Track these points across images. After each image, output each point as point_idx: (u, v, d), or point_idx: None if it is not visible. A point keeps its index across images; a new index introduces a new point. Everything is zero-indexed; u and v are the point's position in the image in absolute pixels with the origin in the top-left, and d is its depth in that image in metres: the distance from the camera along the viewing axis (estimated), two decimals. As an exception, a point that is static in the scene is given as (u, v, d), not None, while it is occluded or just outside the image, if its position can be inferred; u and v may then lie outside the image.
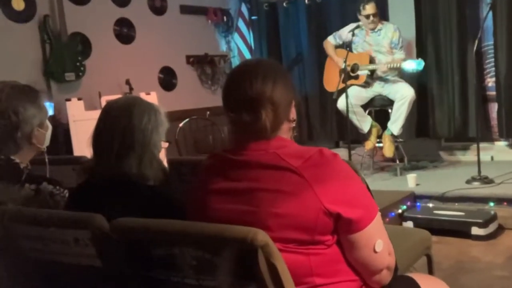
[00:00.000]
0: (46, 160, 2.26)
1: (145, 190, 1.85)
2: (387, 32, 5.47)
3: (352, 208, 1.48)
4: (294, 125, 1.66)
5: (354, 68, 5.47)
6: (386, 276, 1.63)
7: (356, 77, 5.48)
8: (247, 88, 1.54)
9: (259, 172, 1.52)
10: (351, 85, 5.43)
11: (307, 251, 1.48)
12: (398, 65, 5.19)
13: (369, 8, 5.37)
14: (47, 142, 2.21)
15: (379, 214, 1.56)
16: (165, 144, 1.99)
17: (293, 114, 1.64)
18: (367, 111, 5.64)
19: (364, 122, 5.54)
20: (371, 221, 1.52)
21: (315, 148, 1.54)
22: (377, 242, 1.54)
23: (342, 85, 5.25)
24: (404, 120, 5.38)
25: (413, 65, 5.12)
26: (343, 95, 5.26)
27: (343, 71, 5.26)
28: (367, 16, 5.39)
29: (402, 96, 5.29)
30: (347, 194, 1.49)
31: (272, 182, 1.49)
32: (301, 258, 1.48)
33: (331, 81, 5.74)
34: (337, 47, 5.79)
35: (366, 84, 5.50)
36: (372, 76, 5.48)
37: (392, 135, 5.45)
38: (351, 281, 1.56)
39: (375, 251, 1.54)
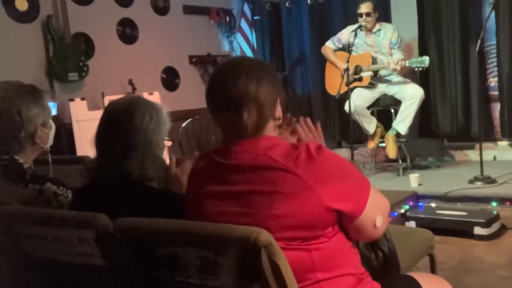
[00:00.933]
0: (50, 160, 2.27)
1: (147, 190, 1.85)
2: (387, 33, 5.47)
3: (351, 198, 1.50)
4: (280, 122, 1.65)
5: (357, 70, 5.45)
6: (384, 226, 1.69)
7: (360, 79, 5.46)
8: (230, 87, 1.52)
9: (253, 175, 1.51)
10: (355, 87, 5.43)
11: (308, 246, 1.49)
12: (406, 63, 5.19)
13: (363, 7, 5.38)
14: (50, 141, 2.21)
15: (372, 186, 1.58)
16: (168, 143, 1.99)
17: (278, 111, 1.62)
18: (369, 111, 5.63)
19: (370, 124, 5.54)
20: (367, 199, 1.54)
21: (301, 144, 1.53)
22: (377, 219, 1.58)
23: (345, 88, 5.24)
24: (412, 120, 5.37)
25: (420, 61, 5.13)
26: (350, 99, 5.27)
27: (345, 71, 5.22)
28: (361, 15, 5.40)
29: (413, 95, 5.28)
30: (345, 187, 1.50)
31: (267, 184, 1.48)
32: (303, 254, 1.49)
33: (334, 85, 5.70)
34: (336, 50, 5.79)
35: (371, 85, 5.50)
36: (376, 77, 5.48)
37: (396, 135, 5.44)
38: (351, 274, 1.57)
39: (375, 227, 1.59)
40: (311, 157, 1.48)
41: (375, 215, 1.58)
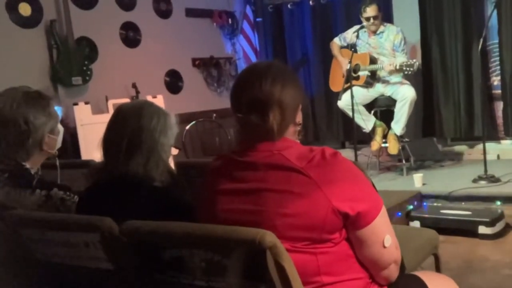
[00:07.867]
0: (57, 164, 2.28)
1: (151, 190, 1.86)
2: (389, 35, 5.47)
3: (358, 202, 1.49)
4: (299, 128, 1.67)
5: (356, 68, 5.49)
6: (394, 271, 1.65)
7: (357, 78, 5.51)
8: (256, 89, 1.54)
9: (265, 173, 1.53)
10: (354, 85, 5.44)
11: (314, 250, 1.50)
12: (397, 66, 5.19)
13: (370, 11, 5.39)
14: (58, 145, 2.22)
15: (384, 207, 1.58)
16: (175, 151, 2.01)
17: (299, 117, 1.65)
18: (372, 111, 5.65)
19: (367, 121, 5.56)
20: (377, 213, 1.53)
21: (318, 148, 1.55)
22: (386, 238, 1.56)
23: (345, 86, 5.29)
24: (406, 121, 5.39)
25: (409, 65, 5.13)
26: (344, 94, 5.34)
27: (347, 71, 5.30)
28: (367, 19, 5.42)
29: (403, 96, 5.31)
30: (354, 191, 1.51)
31: (279, 182, 1.50)
32: (309, 258, 1.49)
33: (335, 82, 5.79)
34: (342, 47, 5.81)
35: (368, 85, 5.53)
36: (374, 77, 5.50)
37: (396, 134, 5.46)
38: (358, 279, 1.58)
39: (384, 247, 1.56)
40: (324, 159, 1.51)
41: (384, 232, 1.56)
